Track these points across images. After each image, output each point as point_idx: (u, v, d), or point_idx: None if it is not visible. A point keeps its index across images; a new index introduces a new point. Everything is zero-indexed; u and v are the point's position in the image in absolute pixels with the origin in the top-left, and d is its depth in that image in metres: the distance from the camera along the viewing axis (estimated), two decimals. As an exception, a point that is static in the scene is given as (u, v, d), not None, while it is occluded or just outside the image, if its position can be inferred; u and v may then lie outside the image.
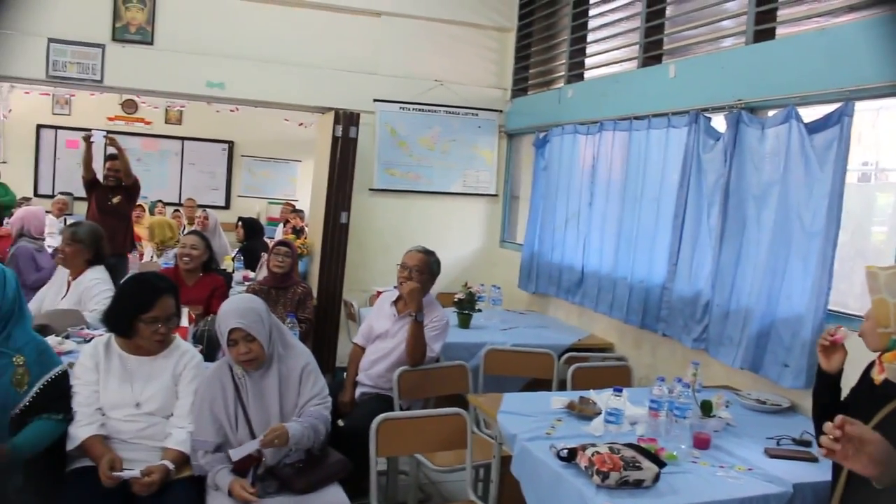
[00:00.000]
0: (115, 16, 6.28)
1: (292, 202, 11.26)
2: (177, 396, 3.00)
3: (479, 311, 5.38)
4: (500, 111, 7.16)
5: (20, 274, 4.88)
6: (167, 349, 3.06)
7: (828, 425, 1.74)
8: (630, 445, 2.72)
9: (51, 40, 6.10)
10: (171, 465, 2.82)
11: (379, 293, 5.06)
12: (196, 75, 6.40)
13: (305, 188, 12.06)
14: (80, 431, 2.87)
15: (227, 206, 12.03)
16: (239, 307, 2.96)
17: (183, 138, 12.32)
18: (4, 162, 10.79)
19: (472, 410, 3.66)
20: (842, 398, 2.46)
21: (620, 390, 3.11)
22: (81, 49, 6.18)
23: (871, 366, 2.35)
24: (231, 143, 12.37)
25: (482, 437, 3.97)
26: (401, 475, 4.27)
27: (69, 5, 6.21)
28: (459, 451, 3.48)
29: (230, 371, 2.97)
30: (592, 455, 2.57)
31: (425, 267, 4.28)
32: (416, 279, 4.19)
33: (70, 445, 2.87)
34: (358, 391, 4.26)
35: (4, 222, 6.89)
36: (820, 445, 1.77)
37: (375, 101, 6.76)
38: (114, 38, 6.27)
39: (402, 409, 3.96)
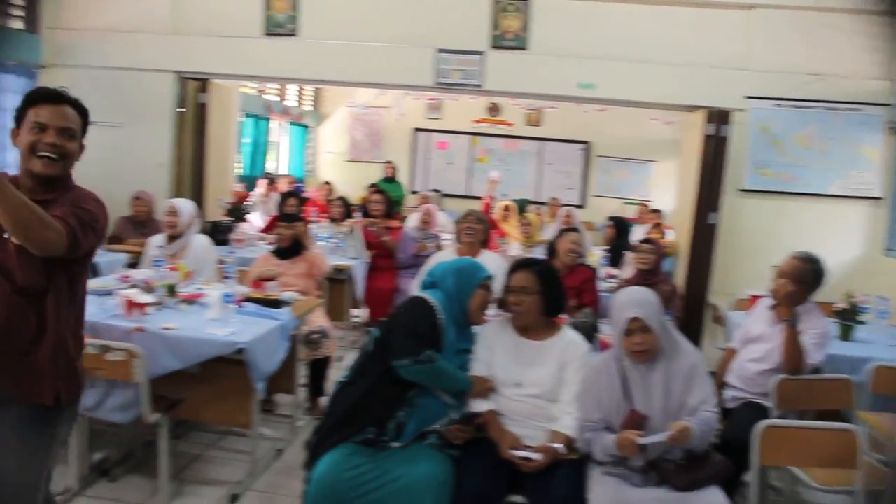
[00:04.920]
0: (494, 24, 6.71)
1: (646, 202, 11.21)
2: (562, 382, 3.13)
3: (863, 323, 4.96)
4: (889, 105, 6.52)
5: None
6: (555, 336, 3.22)
7: None
8: None
9: (439, 50, 6.69)
10: (561, 448, 2.97)
11: (753, 297, 4.88)
12: (567, 77, 6.62)
13: (660, 189, 12.00)
14: (476, 403, 3.15)
15: (582, 206, 12.29)
16: (637, 298, 3.03)
17: (542, 139, 12.83)
18: (389, 161, 11.99)
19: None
20: None
21: None
22: (464, 57, 6.70)
23: None
24: (587, 144, 12.62)
25: (865, 460, 3.66)
26: (770, 489, 4.08)
27: (454, 18, 6.76)
28: (845, 470, 3.25)
29: (616, 363, 3.05)
30: None
31: (798, 274, 4.05)
32: (788, 285, 4.01)
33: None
34: (727, 393, 4.15)
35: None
36: None
37: (747, 98, 6.50)
38: (492, 46, 6.71)
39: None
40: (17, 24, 6.95)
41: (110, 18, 7.14)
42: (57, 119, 2.27)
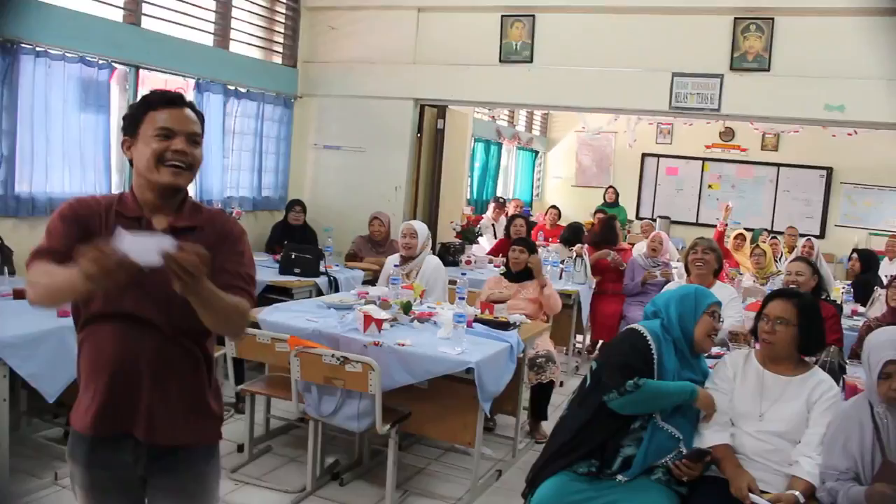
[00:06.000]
0: (734, 45, 6.46)
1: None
2: (807, 424, 2.95)
3: None
4: None
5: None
6: (804, 374, 3.05)
7: None
8: None
9: (674, 74, 6.55)
10: (800, 497, 2.79)
11: None
12: (813, 99, 6.23)
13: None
14: (711, 435, 3.02)
15: (821, 236, 11.52)
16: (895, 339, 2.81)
17: (778, 164, 12.21)
18: (611, 186, 11.88)
19: None
20: None
21: None
22: (701, 80, 6.52)
23: None
24: (830, 170, 11.83)
25: None
26: None
27: (691, 41, 6.59)
28: None
29: (869, 409, 2.82)
30: None
31: None
32: None
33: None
34: None
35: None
36: None
37: None
38: (731, 68, 6.47)
39: None
40: (277, 59, 7.62)
41: (357, 51, 7.65)
42: (184, 124, 1.99)
